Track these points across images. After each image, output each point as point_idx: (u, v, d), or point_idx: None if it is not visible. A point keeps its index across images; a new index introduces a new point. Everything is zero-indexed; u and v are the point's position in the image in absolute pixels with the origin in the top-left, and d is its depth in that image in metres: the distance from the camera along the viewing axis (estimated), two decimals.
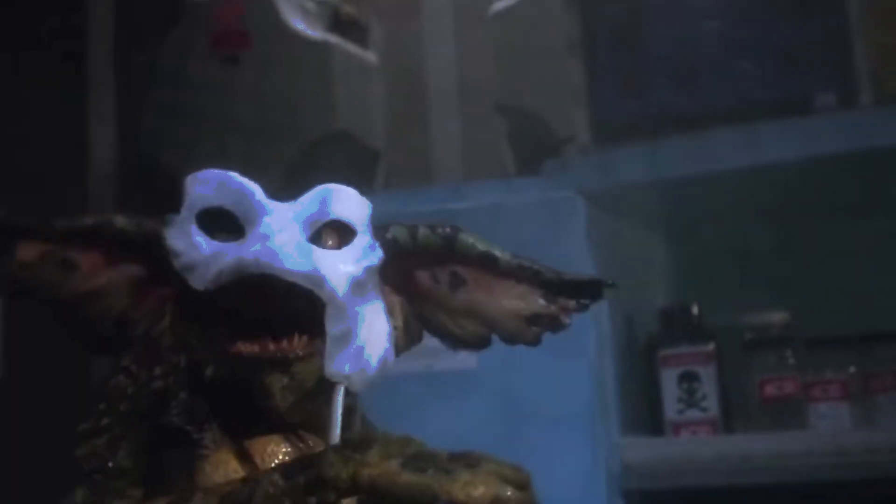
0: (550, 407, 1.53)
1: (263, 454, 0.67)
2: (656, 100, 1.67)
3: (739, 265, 1.85)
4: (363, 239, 0.70)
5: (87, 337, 0.72)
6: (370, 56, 2.11)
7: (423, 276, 0.73)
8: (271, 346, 0.66)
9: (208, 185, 0.69)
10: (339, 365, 0.67)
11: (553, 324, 0.74)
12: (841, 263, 1.80)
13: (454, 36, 2.15)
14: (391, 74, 2.15)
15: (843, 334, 1.61)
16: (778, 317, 1.64)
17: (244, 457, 0.67)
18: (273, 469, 0.65)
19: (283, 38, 2.01)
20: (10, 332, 2.25)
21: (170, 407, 0.68)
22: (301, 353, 0.67)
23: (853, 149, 1.51)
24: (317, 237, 0.68)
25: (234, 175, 0.69)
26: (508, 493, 0.61)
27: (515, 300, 0.73)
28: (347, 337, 0.67)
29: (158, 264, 0.69)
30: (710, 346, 1.63)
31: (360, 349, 0.68)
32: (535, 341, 0.74)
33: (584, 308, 0.74)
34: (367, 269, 0.69)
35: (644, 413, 1.65)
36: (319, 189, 0.70)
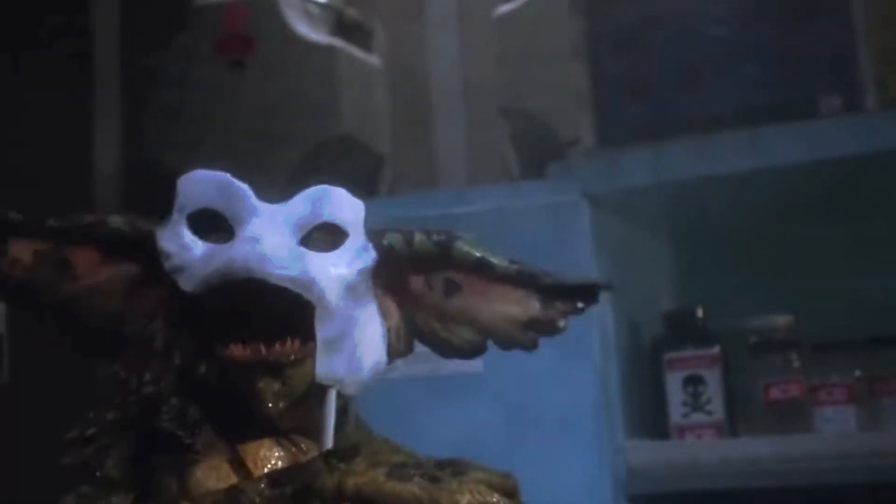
0: (555, 410, 1.53)
1: (256, 458, 0.67)
2: (661, 103, 1.66)
3: (744, 268, 1.85)
4: (356, 241, 0.69)
5: (81, 339, 0.71)
6: (374, 60, 2.12)
7: (416, 282, 0.73)
8: (263, 351, 0.65)
9: (199, 186, 0.69)
10: (330, 369, 0.67)
11: (550, 328, 0.73)
12: (846, 267, 1.80)
13: (458, 40, 2.15)
14: (395, 78, 2.15)
15: (848, 338, 1.61)
16: (783, 320, 1.64)
17: (237, 461, 0.67)
18: (259, 478, 0.65)
19: (287, 43, 2.01)
20: (16, 335, 2.25)
21: (161, 412, 0.67)
22: (293, 358, 0.66)
23: (858, 152, 1.51)
24: (308, 239, 0.68)
25: (226, 176, 0.69)
26: (495, 500, 0.61)
27: (512, 305, 0.73)
28: (339, 340, 0.67)
29: (152, 265, 0.69)
30: (715, 350, 1.63)
31: (353, 352, 0.67)
32: (531, 346, 0.73)
33: (581, 311, 0.73)
34: (360, 272, 0.68)
35: (649, 416, 1.65)
36: (311, 191, 0.70)
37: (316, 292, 0.65)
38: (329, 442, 0.66)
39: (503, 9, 1.90)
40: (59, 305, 0.71)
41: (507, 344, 0.73)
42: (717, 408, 1.60)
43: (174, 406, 0.67)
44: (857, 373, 1.57)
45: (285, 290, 0.64)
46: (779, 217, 1.83)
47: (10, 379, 2.32)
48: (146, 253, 0.69)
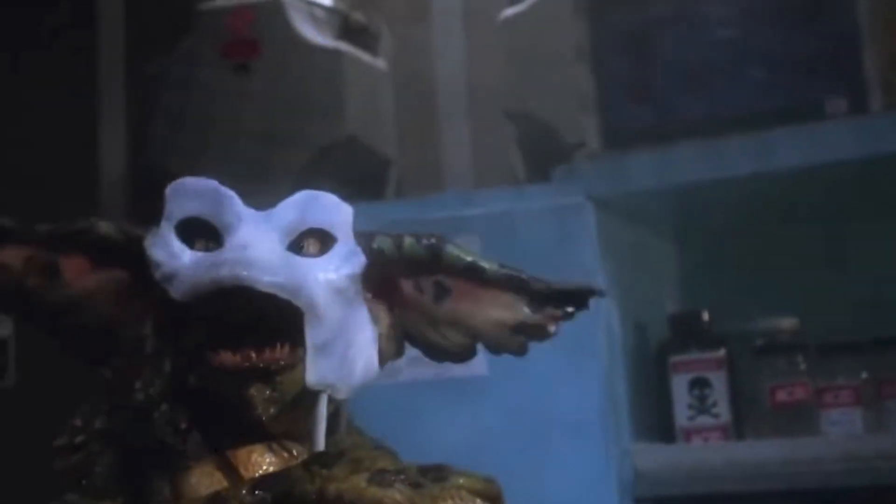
0: (561, 413, 1.53)
1: (247, 464, 0.67)
2: (666, 106, 1.66)
3: (750, 271, 1.85)
4: (344, 245, 0.69)
5: (73, 345, 0.71)
6: (380, 63, 2.12)
7: (406, 286, 0.73)
8: (253, 357, 0.65)
9: (187, 194, 0.69)
10: (320, 374, 0.66)
11: (539, 333, 0.73)
12: (852, 269, 1.80)
13: (464, 43, 2.16)
14: (401, 82, 2.15)
15: (854, 340, 1.61)
16: (789, 322, 1.64)
17: (228, 467, 0.67)
18: (241, 485, 0.65)
19: (293, 46, 2.01)
20: (22, 339, 2.26)
21: (152, 419, 0.67)
22: (283, 364, 0.66)
23: (864, 154, 1.51)
24: (297, 245, 0.68)
25: (213, 184, 0.69)
26: None
27: (501, 310, 0.73)
28: (329, 345, 0.67)
29: (142, 271, 0.69)
30: (721, 353, 1.62)
31: (343, 357, 0.67)
32: (520, 351, 0.73)
33: (570, 317, 0.73)
34: (349, 277, 0.68)
35: (655, 419, 1.65)
36: (298, 196, 0.70)
37: (305, 298, 0.65)
38: (321, 446, 0.66)
39: (508, 12, 1.90)
40: (51, 311, 0.71)
41: (496, 348, 0.73)
42: (723, 410, 1.60)
43: (165, 412, 0.67)
44: (864, 375, 1.57)
45: (274, 296, 0.64)
46: (784, 219, 1.83)
47: (16, 382, 2.32)
48: (136, 259, 0.69)
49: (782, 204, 1.74)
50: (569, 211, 1.59)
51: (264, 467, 0.67)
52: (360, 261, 0.69)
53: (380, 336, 0.71)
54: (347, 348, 0.68)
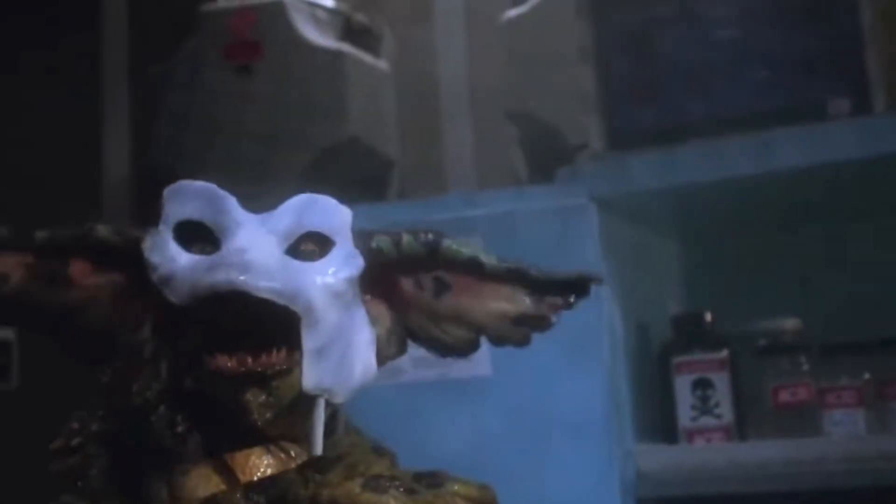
0: (564, 414, 1.53)
1: (245, 467, 0.67)
2: (669, 106, 1.66)
3: (753, 271, 1.85)
4: (343, 249, 0.69)
5: (75, 348, 0.71)
6: (382, 64, 2.12)
7: (406, 284, 0.73)
8: (250, 361, 0.65)
9: (185, 196, 0.69)
10: (318, 379, 0.66)
11: (541, 323, 0.73)
12: (854, 269, 1.80)
13: (466, 44, 2.16)
14: (403, 82, 2.15)
15: (857, 340, 1.61)
16: (791, 323, 1.64)
17: (225, 470, 0.67)
18: (235, 489, 0.65)
19: (295, 47, 2.01)
20: (25, 341, 2.26)
21: (149, 421, 0.67)
22: (279, 368, 0.66)
23: (867, 155, 1.50)
24: (295, 249, 0.68)
25: (211, 187, 0.69)
26: None
27: (502, 302, 0.73)
28: (326, 349, 0.66)
29: (140, 274, 0.68)
30: (724, 353, 1.62)
31: (341, 361, 0.67)
32: (523, 342, 0.73)
33: (571, 306, 0.73)
34: (347, 280, 0.68)
35: (658, 420, 1.65)
36: (296, 200, 0.70)
37: (302, 303, 0.65)
38: (319, 449, 0.66)
39: (511, 12, 1.90)
40: (52, 316, 0.71)
41: (498, 340, 0.74)
42: (725, 411, 1.60)
43: (163, 415, 0.67)
44: (866, 375, 1.57)
45: (271, 301, 0.64)
46: (787, 220, 1.83)
47: (20, 384, 2.32)
48: (134, 262, 0.69)
49: (785, 204, 1.74)
50: (571, 211, 1.59)
51: (262, 470, 0.67)
52: (358, 264, 0.69)
53: (379, 337, 0.70)
54: (345, 352, 0.68)
